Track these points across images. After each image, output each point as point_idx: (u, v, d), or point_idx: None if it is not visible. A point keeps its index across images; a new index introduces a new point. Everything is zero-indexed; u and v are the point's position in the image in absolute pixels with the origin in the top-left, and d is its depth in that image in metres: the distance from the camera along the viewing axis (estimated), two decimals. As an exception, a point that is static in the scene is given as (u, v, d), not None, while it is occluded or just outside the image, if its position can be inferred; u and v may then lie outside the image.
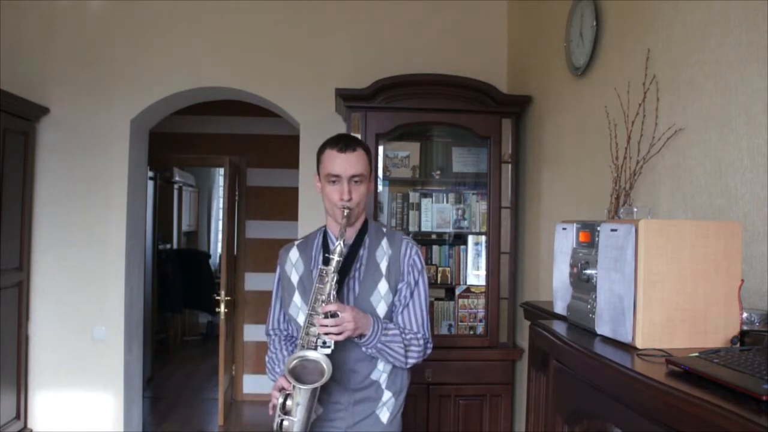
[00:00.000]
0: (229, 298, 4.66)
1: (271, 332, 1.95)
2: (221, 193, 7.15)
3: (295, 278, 1.86)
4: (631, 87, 2.10)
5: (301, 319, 1.80)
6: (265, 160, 5.56)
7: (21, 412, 3.48)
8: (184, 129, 5.51)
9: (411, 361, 1.80)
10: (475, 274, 3.45)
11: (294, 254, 1.89)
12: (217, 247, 8.83)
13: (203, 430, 4.63)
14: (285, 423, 1.63)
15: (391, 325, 1.77)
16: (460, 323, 3.39)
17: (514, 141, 3.27)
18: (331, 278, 1.65)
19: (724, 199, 1.64)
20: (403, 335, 1.78)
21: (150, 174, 5.17)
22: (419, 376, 3.15)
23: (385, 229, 1.91)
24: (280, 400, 1.64)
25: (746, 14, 1.59)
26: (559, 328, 1.57)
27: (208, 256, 8.05)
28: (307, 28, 3.75)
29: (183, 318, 7.59)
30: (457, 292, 3.41)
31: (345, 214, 1.72)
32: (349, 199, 1.74)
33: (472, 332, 3.37)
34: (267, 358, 1.92)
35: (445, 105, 3.22)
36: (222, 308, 4.53)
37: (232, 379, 5.15)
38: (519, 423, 3.24)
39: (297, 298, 1.83)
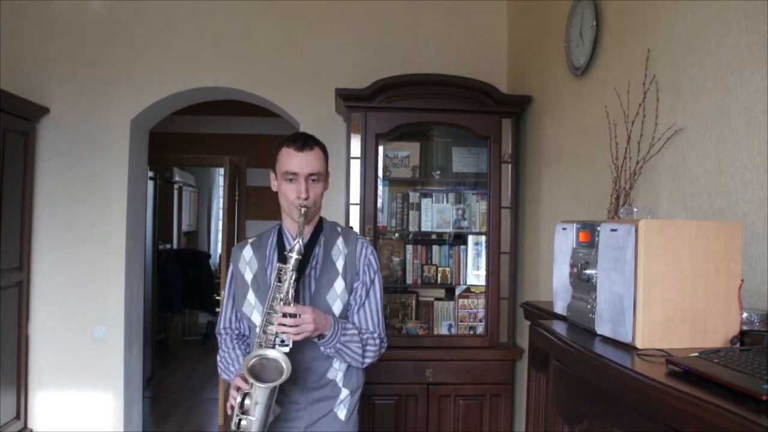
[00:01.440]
0: (229, 298, 4.65)
1: (222, 331, 1.95)
2: (221, 193, 7.14)
3: (248, 276, 1.85)
4: (631, 87, 2.10)
5: (255, 317, 1.80)
6: (265, 160, 5.51)
7: (21, 412, 3.48)
8: (184, 129, 5.52)
9: (367, 360, 1.81)
10: (475, 274, 3.45)
11: (248, 252, 1.89)
12: (217, 247, 8.82)
13: (203, 430, 4.62)
14: (243, 422, 1.62)
15: (349, 325, 1.77)
16: (460, 323, 3.39)
17: (514, 141, 3.27)
18: (290, 276, 1.64)
19: (724, 199, 1.64)
20: (361, 335, 1.78)
21: (150, 174, 5.16)
22: (419, 376, 3.15)
23: (339, 229, 1.91)
24: (238, 400, 1.63)
25: (746, 14, 1.59)
26: (559, 328, 1.57)
27: (208, 256, 8.05)
28: (307, 28, 3.75)
29: (183, 318, 7.58)
30: (457, 292, 3.41)
31: (303, 212, 1.72)
32: (307, 198, 1.74)
33: (472, 332, 3.37)
34: (219, 358, 1.90)
35: (445, 105, 3.22)
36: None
37: (232, 379, 5.14)
38: (519, 423, 3.24)
39: (251, 296, 1.83)
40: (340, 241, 1.85)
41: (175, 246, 7.31)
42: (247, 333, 1.92)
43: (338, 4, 3.75)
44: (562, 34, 2.77)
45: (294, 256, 1.65)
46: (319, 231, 1.86)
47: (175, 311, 7.12)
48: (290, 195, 1.75)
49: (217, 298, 4.62)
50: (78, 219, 3.63)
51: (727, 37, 1.66)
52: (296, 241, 1.66)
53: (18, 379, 3.46)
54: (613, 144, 2.10)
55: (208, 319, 7.78)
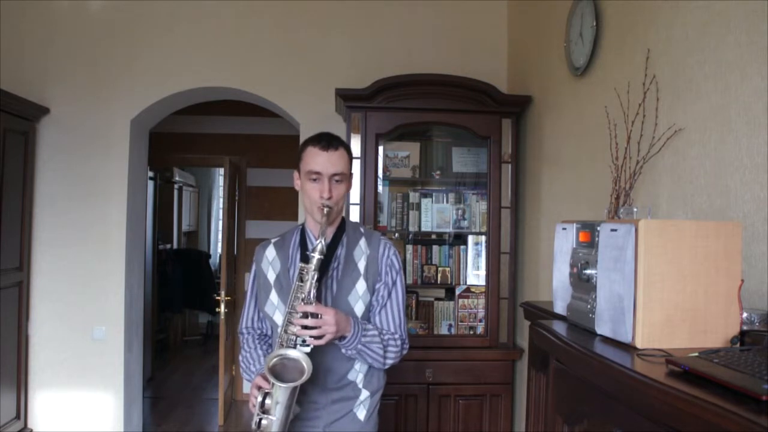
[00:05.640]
0: (229, 297, 4.66)
1: (245, 331, 1.95)
2: (221, 193, 7.15)
3: (271, 276, 1.85)
4: (631, 87, 2.10)
5: (277, 317, 1.80)
6: (265, 160, 5.56)
7: (21, 412, 3.48)
8: (184, 129, 5.52)
9: (389, 361, 1.81)
10: (475, 274, 3.45)
11: (271, 252, 1.89)
12: (217, 247, 8.82)
13: (203, 430, 4.62)
14: (264, 422, 1.62)
15: (370, 326, 1.76)
16: (460, 323, 3.39)
17: (514, 141, 3.27)
18: (312, 276, 1.64)
19: (724, 199, 1.64)
20: (382, 336, 1.77)
21: (150, 174, 5.16)
22: (419, 376, 3.15)
23: (362, 229, 1.90)
24: (259, 399, 1.63)
25: (746, 14, 1.59)
26: (559, 328, 1.57)
27: (208, 256, 8.05)
28: (307, 28, 3.75)
29: (183, 318, 7.59)
30: (457, 292, 3.41)
31: (325, 212, 1.72)
32: (329, 197, 1.73)
33: (472, 332, 3.37)
34: (240, 357, 1.91)
35: (445, 105, 3.22)
36: (222, 308, 4.53)
37: (232, 379, 5.15)
38: (519, 423, 3.24)
39: (273, 296, 1.82)
40: (362, 242, 1.84)
41: (175, 246, 7.32)
42: (269, 333, 1.92)
43: (338, 4, 3.75)
44: (562, 34, 2.77)
45: (316, 256, 1.64)
46: (342, 231, 1.85)
47: (175, 311, 7.12)
48: (313, 194, 1.75)
49: (217, 298, 4.62)
50: (78, 219, 3.63)
51: (727, 37, 1.66)
52: (318, 241, 1.65)
53: (18, 379, 3.46)
54: (613, 144, 2.10)
55: (208, 319, 7.79)
